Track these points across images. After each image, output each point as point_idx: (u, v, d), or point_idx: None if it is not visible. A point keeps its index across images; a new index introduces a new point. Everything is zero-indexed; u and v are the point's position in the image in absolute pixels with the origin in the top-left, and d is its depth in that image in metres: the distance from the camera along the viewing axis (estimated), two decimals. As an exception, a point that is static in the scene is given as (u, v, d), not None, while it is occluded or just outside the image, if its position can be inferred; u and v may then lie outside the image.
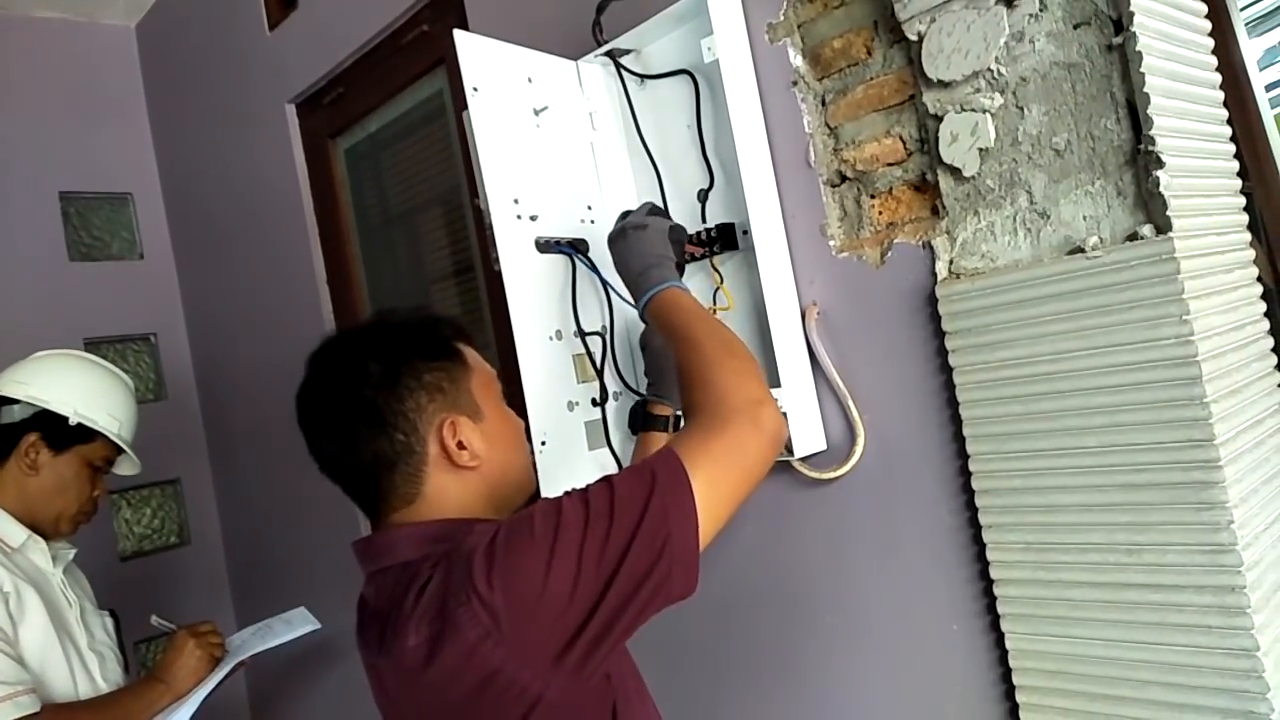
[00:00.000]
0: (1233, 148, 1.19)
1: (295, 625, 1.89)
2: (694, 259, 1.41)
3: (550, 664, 0.82)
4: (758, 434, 0.91)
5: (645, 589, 0.83)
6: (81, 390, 1.70)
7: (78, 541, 1.77)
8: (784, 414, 0.97)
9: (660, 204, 1.38)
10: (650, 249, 1.14)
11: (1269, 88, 1.44)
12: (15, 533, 1.63)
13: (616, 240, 1.18)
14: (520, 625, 0.81)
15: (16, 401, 1.66)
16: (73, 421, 1.66)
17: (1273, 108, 1.40)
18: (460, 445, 0.96)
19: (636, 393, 1.43)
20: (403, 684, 0.88)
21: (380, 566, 0.95)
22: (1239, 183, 1.19)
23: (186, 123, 2.90)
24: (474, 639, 0.81)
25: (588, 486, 0.87)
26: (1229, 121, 1.19)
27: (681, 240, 1.21)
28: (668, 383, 1.32)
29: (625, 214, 1.23)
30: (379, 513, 0.98)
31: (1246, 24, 1.42)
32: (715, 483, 0.87)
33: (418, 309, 1.07)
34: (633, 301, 1.15)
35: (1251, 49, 1.42)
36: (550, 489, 1.27)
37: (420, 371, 0.96)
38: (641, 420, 1.33)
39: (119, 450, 1.74)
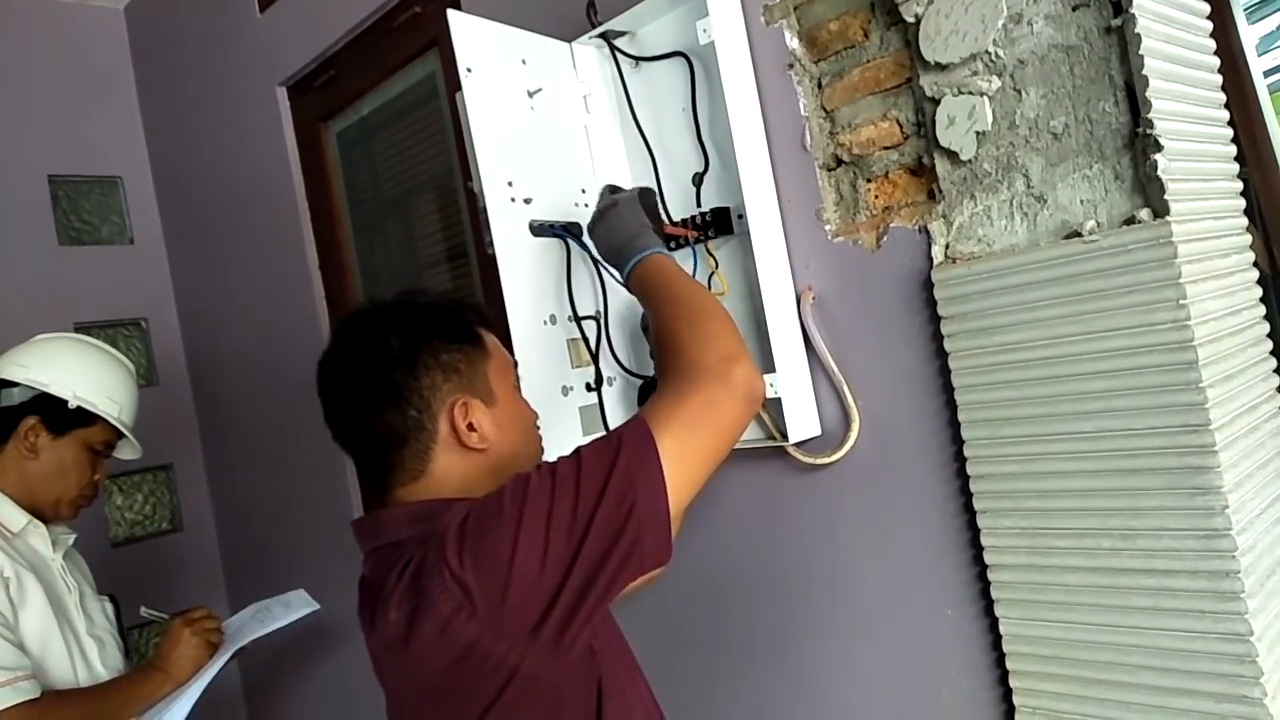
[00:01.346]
0: (1230, 132, 1.18)
1: (294, 608, 1.88)
2: (688, 242, 1.40)
3: (527, 636, 0.82)
4: (729, 391, 0.89)
5: (615, 555, 0.82)
6: (81, 373, 1.68)
7: (72, 526, 1.76)
8: (762, 373, 0.96)
9: (621, 185, 1.36)
10: (626, 223, 1.14)
11: (1267, 74, 1.44)
12: (16, 517, 1.62)
13: (594, 227, 1.19)
14: (493, 600, 0.81)
15: (16, 384, 1.65)
16: (72, 405, 1.65)
17: (1271, 93, 1.40)
18: (470, 427, 0.96)
19: (634, 374, 1.43)
20: (390, 659, 0.90)
21: (376, 545, 0.96)
22: (1236, 168, 1.19)
23: (176, 106, 2.88)
24: (448, 613, 0.82)
25: (558, 459, 0.87)
26: (1227, 106, 1.19)
27: (653, 202, 1.21)
28: None
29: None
30: (385, 486, 0.99)
31: (1245, 9, 1.41)
32: (684, 443, 0.86)
33: (446, 292, 1.08)
34: (622, 281, 1.14)
35: (1250, 35, 1.41)
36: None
37: (439, 351, 0.97)
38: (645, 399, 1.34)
39: (119, 434, 1.73)
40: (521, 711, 0.84)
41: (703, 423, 0.88)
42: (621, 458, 0.83)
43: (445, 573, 0.82)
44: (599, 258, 1.38)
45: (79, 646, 1.62)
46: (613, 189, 1.24)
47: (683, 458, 0.85)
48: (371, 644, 0.94)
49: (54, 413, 1.65)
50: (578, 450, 0.87)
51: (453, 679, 0.84)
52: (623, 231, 1.13)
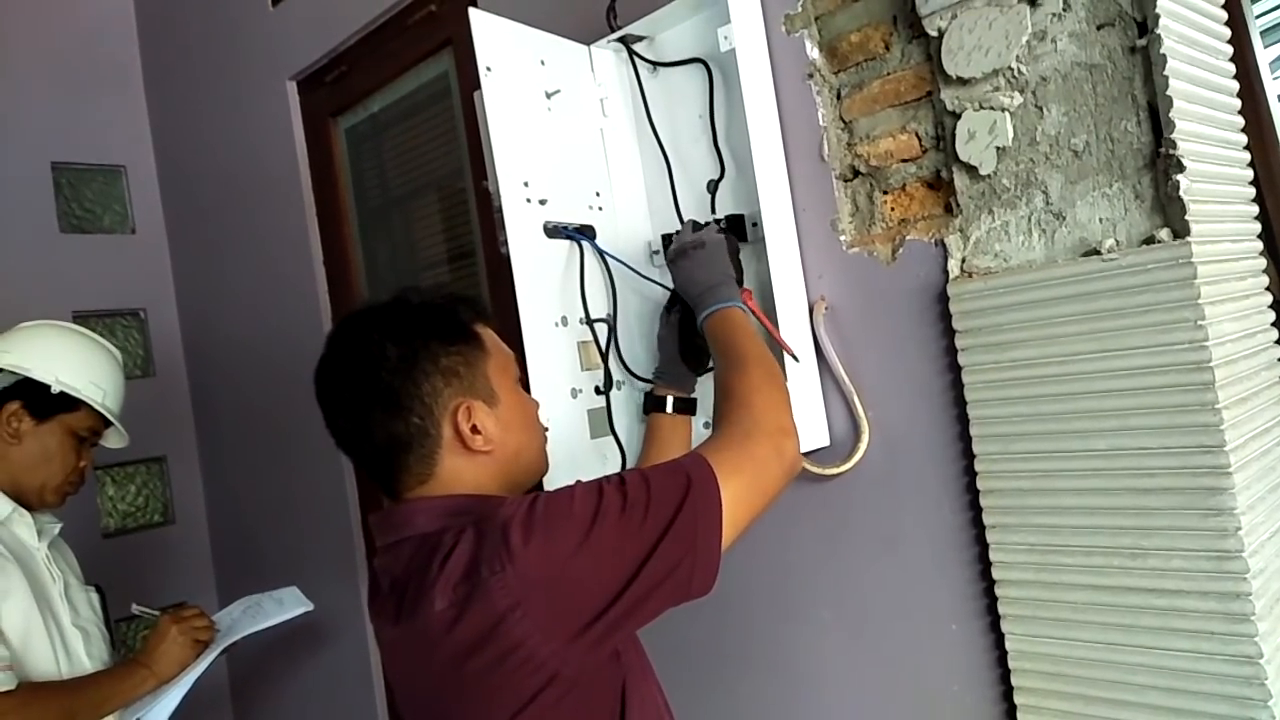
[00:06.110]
0: (1248, 156, 1.19)
1: (287, 606, 1.86)
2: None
3: (568, 640, 0.84)
4: (780, 461, 0.97)
5: (668, 584, 0.87)
6: (64, 358, 1.67)
7: (62, 515, 1.74)
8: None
9: (699, 220, 1.38)
10: (715, 267, 1.21)
11: (1281, 97, 1.44)
12: (0, 505, 1.61)
13: (679, 259, 1.24)
14: (548, 601, 0.83)
15: None
16: (55, 389, 1.64)
17: (1284, 116, 1.40)
18: (474, 430, 0.97)
19: (642, 379, 1.43)
20: (422, 651, 0.89)
21: (399, 538, 0.95)
22: (1253, 191, 1.19)
23: (184, 97, 2.87)
24: (503, 609, 0.83)
25: (623, 477, 0.90)
26: (1244, 130, 1.19)
27: (736, 253, 1.27)
28: (673, 369, 1.35)
29: (668, 237, 1.31)
30: (393, 490, 0.99)
31: (1261, 31, 1.42)
32: (740, 496, 0.92)
33: (440, 288, 1.09)
34: (699, 320, 1.20)
35: (1265, 57, 1.42)
36: (550, 477, 1.26)
37: (438, 355, 0.97)
38: (652, 402, 1.36)
39: (105, 422, 1.72)
40: (552, 714, 0.85)
41: (757, 482, 0.95)
42: (690, 496, 0.89)
43: (508, 568, 0.83)
44: (610, 264, 1.39)
45: (62, 638, 1.60)
46: (695, 225, 1.29)
47: (737, 508, 0.92)
48: (392, 636, 0.93)
49: (37, 398, 1.64)
50: (644, 474, 0.91)
51: (488, 676, 0.84)
52: (712, 274, 1.21)
